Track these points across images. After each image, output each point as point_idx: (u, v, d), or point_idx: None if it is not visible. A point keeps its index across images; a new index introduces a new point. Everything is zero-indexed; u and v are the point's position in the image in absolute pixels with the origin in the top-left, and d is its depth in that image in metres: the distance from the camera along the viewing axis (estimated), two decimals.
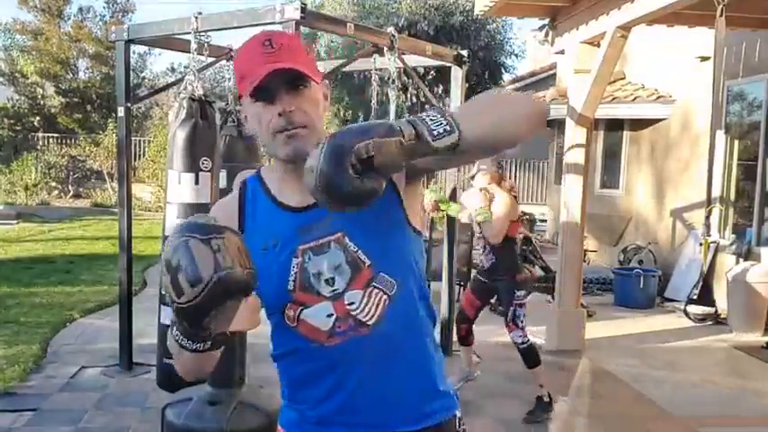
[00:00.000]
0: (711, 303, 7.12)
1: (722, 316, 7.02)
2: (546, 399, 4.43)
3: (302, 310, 1.41)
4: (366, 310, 1.40)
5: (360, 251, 1.40)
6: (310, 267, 1.40)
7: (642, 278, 7.81)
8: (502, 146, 1.38)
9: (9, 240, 10.92)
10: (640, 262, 8.59)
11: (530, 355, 4.43)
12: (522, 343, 4.42)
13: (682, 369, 5.64)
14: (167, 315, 4.06)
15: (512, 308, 4.43)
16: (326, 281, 1.40)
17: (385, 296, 1.41)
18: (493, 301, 7.43)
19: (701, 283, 7.22)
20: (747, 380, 5.46)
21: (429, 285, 7.20)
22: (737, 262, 7.22)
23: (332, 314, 1.40)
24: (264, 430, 3.28)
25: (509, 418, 4.44)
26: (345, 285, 1.40)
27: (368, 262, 1.40)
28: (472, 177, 4.70)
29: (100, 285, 7.76)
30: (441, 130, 1.20)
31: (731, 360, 6.03)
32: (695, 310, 7.12)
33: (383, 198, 1.23)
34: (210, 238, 1.15)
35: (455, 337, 5.68)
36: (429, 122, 1.20)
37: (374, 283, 1.41)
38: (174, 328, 1.26)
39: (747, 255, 7.23)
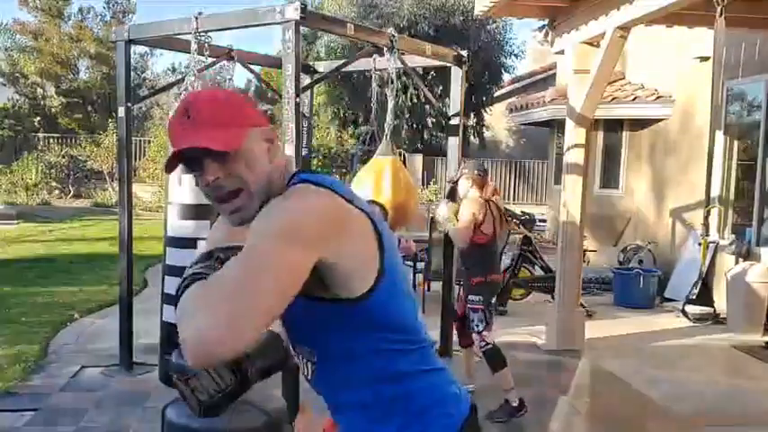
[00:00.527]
0: (710, 303, 7.13)
1: (721, 316, 7.02)
2: (513, 403, 4.33)
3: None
4: (303, 369, 1.54)
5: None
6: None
7: (642, 278, 7.81)
8: None
9: (9, 240, 10.93)
10: (640, 262, 8.60)
11: (492, 360, 4.38)
12: (482, 347, 4.38)
13: (681, 369, 5.64)
14: (170, 314, 4.08)
15: (466, 312, 4.45)
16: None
17: (309, 361, 1.50)
18: (493, 301, 7.46)
19: (700, 283, 7.22)
20: (747, 380, 5.46)
21: (428, 286, 7.22)
22: (737, 262, 7.22)
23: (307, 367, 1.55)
24: (265, 430, 3.28)
25: (509, 418, 4.44)
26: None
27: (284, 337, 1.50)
28: (455, 182, 4.71)
29: (100, 285, 7.77)
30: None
31: (731, 360, 6.03)
32: (693, 309, 7.12)
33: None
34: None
35: (455, 337, 5.69)
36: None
37: (296, 350, 1.51)
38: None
39: (747, 255, 7.24)
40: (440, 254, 6.05)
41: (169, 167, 1.39)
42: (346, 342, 1.42)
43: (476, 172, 4.49)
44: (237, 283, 1.20)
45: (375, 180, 4.54)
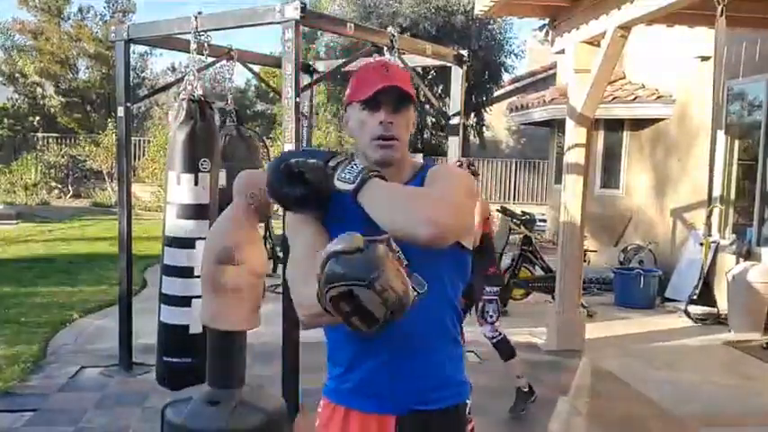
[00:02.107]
0: (712, 303, 7.12)
1: (722, 316, 7.01)
2: (525, 389, 4.46)
3: None
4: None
5: (401, 253, 1.58)
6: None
7: (642, 278, 7.80)
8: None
9: (9, 240, 10.92)
10: (641, 262, 8.59)
11: (502, 349, 4.49)
12: (493, 337, 4.47)
13: (682, 369, 5.63)
14: (167, 314, 4.07)
15: (480, 303, 4.48)
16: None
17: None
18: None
19: (701, 283, 7.22)
20: (747, 380, 5.46)
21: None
22: (737, 262, 7.22)
23: None
24: (265, 430, 3.28)
25: (509, 418, 4.44)
26: None
27: (404, 262, 1.59)
28: None
29: (100, 285, 7.76)
30: (346, 176, 1.54)
31: (731, 360, 6.03)
32: (696, 309, 7.11)
33: None
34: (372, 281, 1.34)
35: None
36: (347, 169, 1.55)
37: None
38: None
39: (747, 255, 7.23)
40: None
41: (368, 99, 1.66)
42: (452, 287, 1.72)
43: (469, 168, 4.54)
44: (458, 196, 1.60)
45: None
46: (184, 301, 3.96)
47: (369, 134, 1.67)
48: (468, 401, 1.85)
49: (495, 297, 4.51)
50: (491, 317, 4.46)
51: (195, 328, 3.88)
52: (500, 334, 4.48)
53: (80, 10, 20.85)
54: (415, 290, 1.45)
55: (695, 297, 7.18)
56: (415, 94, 1.75)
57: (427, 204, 1.52)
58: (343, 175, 1.54)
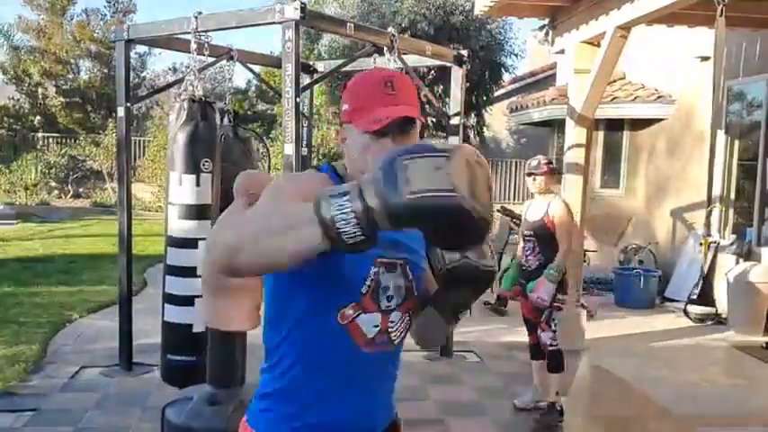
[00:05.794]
0: (712, 303, 7.12)
1: (722, 316, 7.02)
2: (559, 406, 4.34)
3: (360, 314, 1.53)
4: (398, 331, 1.59)
5: (414, 283, 1.59)
6: (383, 280, 1.54)
7: (642, 278, 7.81)
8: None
9: (9, 240, 10.92)
10: (640, 262, 8.59)
11: (554, 360, 4.32)
12: (551, 345, 4.32)
13: (682, 369, 5.64)
14: (171, 313, 4.08)
15: (549, 309, 4.29)
16: (388, 297, 1.55)
17: (409, 325, 1.63)
18: (493, 301, 7.45)
19: (701, 283, 7.22)
20: (747, 380, 5.46)
21: None
22: (737, 262, 7.22)
23: (378, 326, 1.55)
24: None
25: (509, 418, 4.45)
26: (396, 305, 1.57)
27: (416, 293, 1.59)
28: None
29: (100, 285, 7.76)
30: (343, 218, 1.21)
31: (731, 360, 6.03)
32: (695, 309, 7.12)
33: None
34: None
35: (455, 338, 5.68)
36: (340, 211, 1.19)
37: (412, 312, 1.61)
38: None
39: (747, 255, 7.23)
40: None
41: (366, 125, 1.51)
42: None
43: None
44: None
45: None
46: (188, 301, 3.98)
47: (374, 160, 1.43)
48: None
49: (563, 305, 4.35)
50: (556, 324, 4.32)
51: (198, 327, 3.90)
52: (558, 344, 4.33)
53: (85, 11, 20.86)
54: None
55: (695, 297, 7.18)
56: (419, 106, 1.62)
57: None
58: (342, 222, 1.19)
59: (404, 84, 1.57)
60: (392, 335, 1.57)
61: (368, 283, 1.52)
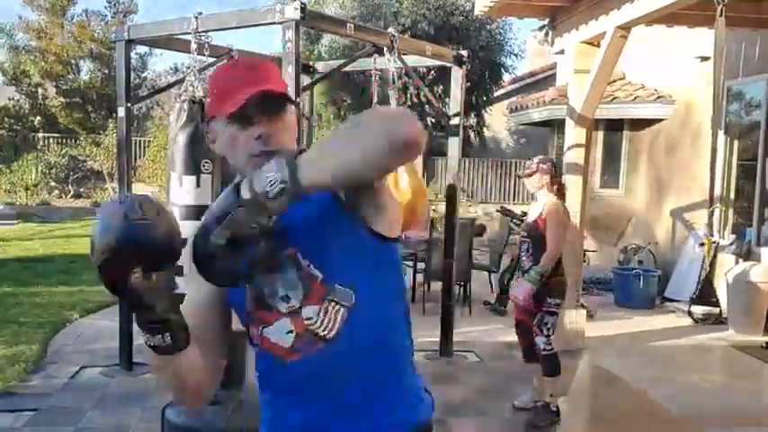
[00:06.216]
0: (712, 303, 7.12)
1: (723, 316, 7.02)
2: (554, 407, 4.33)
3: (263, 328, 1.43)
4: (324, 324, 1.39)
5: (311, 266, 1.38)
6: (264, 286, 1.40)
7: (642, 278, 7.81)
8: (362, 180, 1.31)
9: (9, 240, 10.92)
10: (640, 262, 8.59)
11: (549, 364, 4.30)
12: (545, 350, 4.28)
13: (682, 369, 5.64)
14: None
15: (540, 313, 4.25)
16: (282, 298, 1.40)
17: (342, 308, 1.38)
18: (493, 301, 7.46)
19: (701, 283, 7.22)
20: (747, 380, 5.46)
21: (429, 286, 7.22)
22: (737, 262, 7.22)
23: (291, 330, 1.40)
24: None
25: (509, 418, 4.45)
26: (300, 302, 1.39)
27: (320, 276, 1.38)
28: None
29: (100, 285, 7.60)
30: (274, 191, 1.19)
31: (731, 360, 6.03)
32: (696, 309, 7.12)
33: (322, 209, 1.35)
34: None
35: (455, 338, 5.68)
36: (264, 182, 1.20)
37: (329, 297, 1.38)
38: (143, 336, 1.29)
39: (747, 255, 7.23)
40: (440, 254, 6.04)
41: (224, 112, 1.37)
42: (387, 285, 1.48)
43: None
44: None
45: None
46: None
47: (244, 152, 1.36)
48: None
49: (557, 310, 4.29)
50: (548, 329, 4.27)
51: None
52: (553, 348, 4.29)
53: (85, 12, 20.87)
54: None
55: (696, 297, 7.18)
56: (288, 88, 1.49)
57: (372, 120, 1.27)
58: (269, 192, 1.20)
59: (265, 66, 1.45)
60: (318, 331, 1.38)
61: (247, 298, 1.43)
